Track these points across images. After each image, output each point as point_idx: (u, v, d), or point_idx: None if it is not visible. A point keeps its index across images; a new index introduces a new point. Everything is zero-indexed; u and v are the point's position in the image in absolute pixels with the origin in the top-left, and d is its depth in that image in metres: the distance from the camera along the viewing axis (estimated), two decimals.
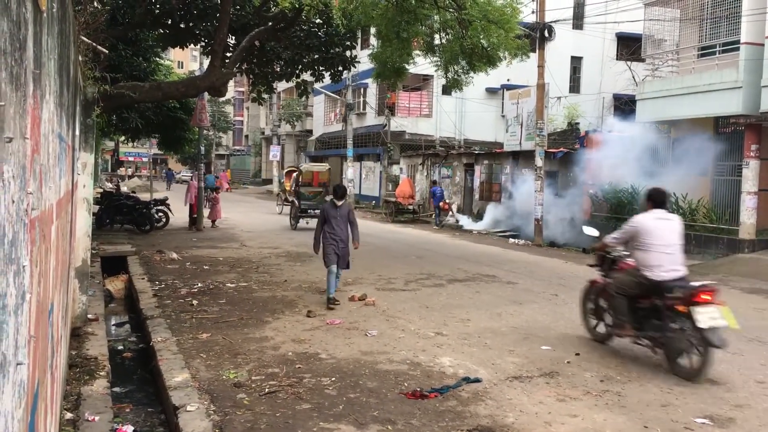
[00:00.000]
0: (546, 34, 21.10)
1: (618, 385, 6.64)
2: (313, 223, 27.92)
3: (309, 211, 22.61)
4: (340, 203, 10.16)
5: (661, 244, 7.43)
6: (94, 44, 9.07)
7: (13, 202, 2.07)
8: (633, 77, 27.30)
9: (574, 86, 36.89)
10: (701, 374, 6.87)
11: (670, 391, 6.50)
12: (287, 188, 29.37)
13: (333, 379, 6.56)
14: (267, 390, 6.16)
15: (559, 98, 30.32)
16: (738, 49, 17.66)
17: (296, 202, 23.02)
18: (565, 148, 23.68)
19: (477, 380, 6.63)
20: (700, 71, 19.14)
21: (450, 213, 26.78)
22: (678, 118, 19.24)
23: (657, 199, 7.79)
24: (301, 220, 22.76)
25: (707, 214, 18.37)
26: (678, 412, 5.93)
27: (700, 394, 6.45)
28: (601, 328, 8.43)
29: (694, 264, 16.41)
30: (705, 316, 6.92)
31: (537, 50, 21.37)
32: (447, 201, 27.06)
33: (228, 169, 66.32)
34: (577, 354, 7.72)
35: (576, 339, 8.52)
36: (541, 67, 21.35)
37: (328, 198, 26.38)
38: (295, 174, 26.75)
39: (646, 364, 7.45)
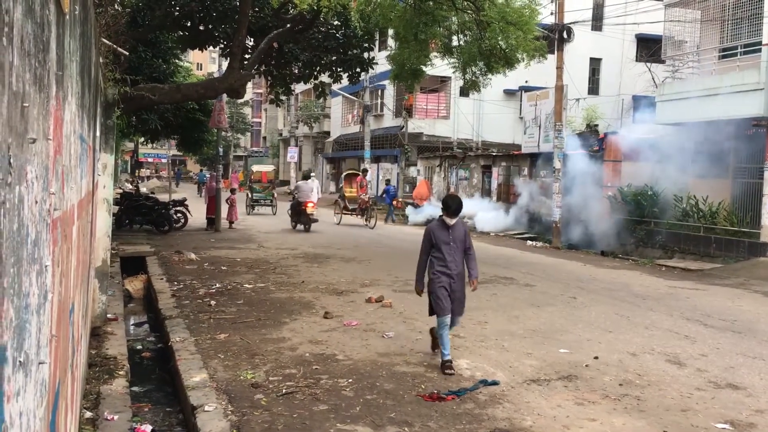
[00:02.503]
0: (565, 36, 20.99)
1: (637, 389, 6.58)
2: (264, 210, 29.00)
3: (260, 201, 30.05)
4: (453, 222, 7.25)
5: (304, 190, 21.67)
6: (114, 46, 9.16)
7: (36, 202, 2.09)
8: (653, 79, 27.07)
9: (593, 88, 36.67)
10: (309, 230, 21.45)
11: (690, 396, 6.44)
12: (347, 194, 26.47)
13: (350, 380, 6.57)
14: (284, 391, 6.18)
15: (577, 100, 30.16)
16: (760, 50, 17.45)
17: (249, 194, 29.66)
18: (584, 150, 23.50)
19: (494, 383, 6.60)
20: (721, 73, 18.94)
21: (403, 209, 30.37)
22: (698, 120, 19.05)
23: (306, 175, 23.85)
24: (255, 208, 29.67)
25: (728, 217, 18.17)
26: (698, 417, 5.87)
27: (721, 399, 6.38)
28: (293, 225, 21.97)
29: (714, 267, 16.26)
30: (309, 209, 21.58)
31: (555, 52, 21.27)
32: (398, 199, 30.52)
33: (242, 171, 66.66)
34: (596, 357, 7.66)
35: (596, 344, 8.46)
36: (559, 68, 21.24)
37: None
38: (250, 174, 32.50)
39: (663, 368, 7.39)
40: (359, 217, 25.26)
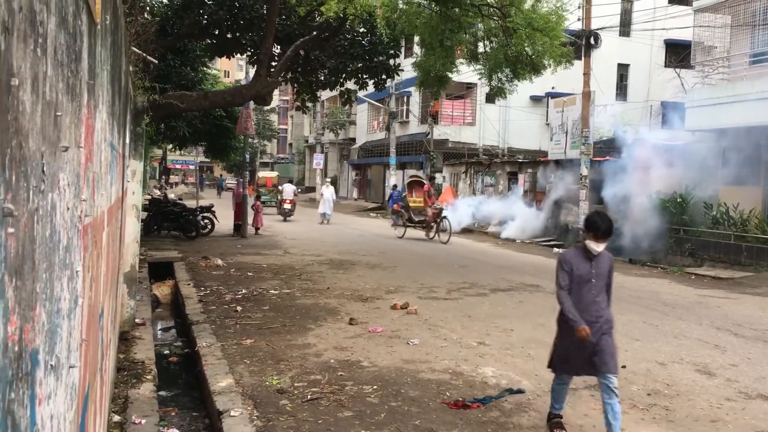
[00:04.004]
0: (592, 42, 20.86)
1: (665, 399, 6.49)
2: (270, 211, 30.32)
3: (266, 202, 31.77)
4: (600, 249, 5.40)
5: (287, 191, 29.83)
6: (144, 54, 9.29)
7: (68, 209, 2.13)
8: (682, 84, 26.78)
9: (621, 93, 36.36)
10: (286, 220, 28.72)
11: (720, 407, 6.33)
12: (411, 204, 23.95)
13: (375, 387, 6.57)
14: (309, 397, 6.19)
15: (605, 106, 29.91)
16: None
17: (259, 195, 30.04)
18: (611, 156, 23.30)
19: (520, 391, 6.56)
20: (752, 78, 18.67)
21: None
22: (729, 126, 18.79)
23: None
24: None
25: (759, 224, 17.86)
26: (728, 428, 5.77)
27: (752, 410, 6.27)
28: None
29: (746, 275, 15.99)
30: (286, 204, 29.40)
31: (583, 58, 21.14)
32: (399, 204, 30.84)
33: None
34: (623, 366, 7.56)
35: (623, 352, 8.35)
36: (586, 74, 21.11)
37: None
38: (257, 179, 36.61)
39: (693, 377, 7.28)
40: (426, 230, 22.96)
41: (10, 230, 1.26)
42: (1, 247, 1.20)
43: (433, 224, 22.38)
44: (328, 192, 29.78)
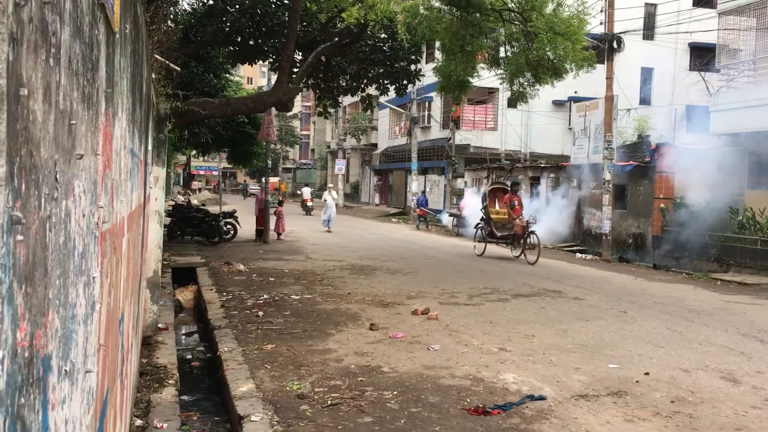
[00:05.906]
0: (615, 46, 20.70)
1: (690, 407, 6.39)
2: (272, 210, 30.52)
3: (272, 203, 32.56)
4: None
5: (305, 192, 41.65)
6: (167, 62, 9.39)
7: (84, 216, 2.15)
8: (707, 88, 26.46)
9: (645, 98, 36.03)
10: (309, 214, 37.58)
11: (745, 414, 6.23)
12: (493, 216, 20.13)
13: (395, 392, 6.55)
14: (329, 402, 6.20)
15: (628, 110, 29.64)
16: None
17: (281, 201, 29.23)
18: (635, 161, 23.08)
19: (541, 398, 6.50)
20: None
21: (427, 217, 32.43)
22: (755, 130, 18.52)
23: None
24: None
25: None
26: None
27: None
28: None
29: None
30: (307, 201, 40.04)
31: (605, 62, 20.99)
32: (423, 208, 32.16)
33: (282, 182, 67.36)
34: (647, 373, 7.48)
35: (647, 359, 8.26)
36: (609, 78, 20.95)
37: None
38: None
39: (717, 385, 7.17)
40: (510, 247, 19.66)
41: (19, 238, 1.28)
42: (9, 254, 1.21)
43: (520, 240, 18.78)
44: (330, 198, 27.81)
